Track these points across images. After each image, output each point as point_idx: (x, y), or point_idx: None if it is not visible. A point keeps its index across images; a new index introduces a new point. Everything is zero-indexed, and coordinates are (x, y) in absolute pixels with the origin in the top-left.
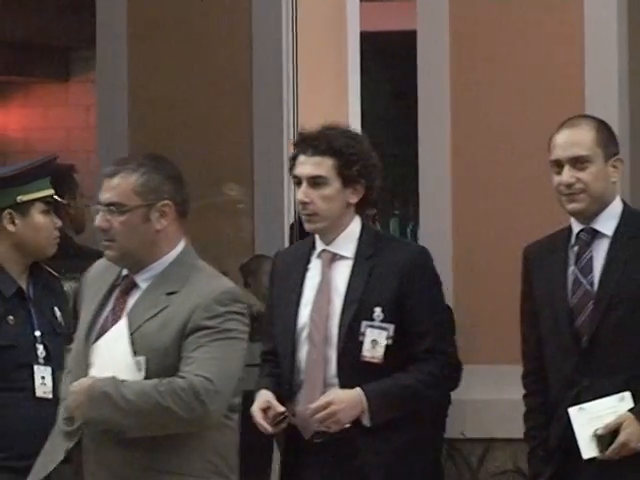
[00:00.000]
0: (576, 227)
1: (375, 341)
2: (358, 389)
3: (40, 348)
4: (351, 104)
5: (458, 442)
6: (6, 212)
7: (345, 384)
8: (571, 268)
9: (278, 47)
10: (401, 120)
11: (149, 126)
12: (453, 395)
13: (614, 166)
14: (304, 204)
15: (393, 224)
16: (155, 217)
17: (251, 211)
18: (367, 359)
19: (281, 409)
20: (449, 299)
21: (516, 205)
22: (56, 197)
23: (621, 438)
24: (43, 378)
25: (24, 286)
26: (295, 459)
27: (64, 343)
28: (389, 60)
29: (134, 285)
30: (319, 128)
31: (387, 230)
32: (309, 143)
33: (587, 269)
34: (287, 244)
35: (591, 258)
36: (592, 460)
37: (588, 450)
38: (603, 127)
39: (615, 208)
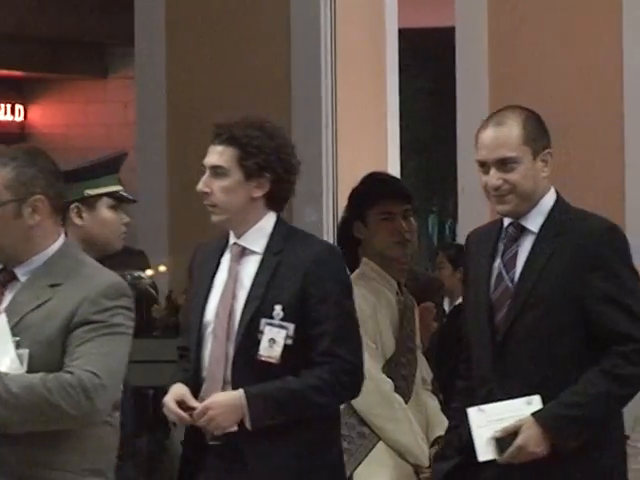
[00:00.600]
0: (506, 221)
1: (273, 340)
2: (240, 391)
3: None
4: (389, 101)
5: None
6: (74, 206)
7: (239, 383)
8: (497, 262)
9: (317, 44)
10: (440, 117)
11: (187, 122)
12: None
13: (544, 160)
14: (204, 194)
15: (432, 220)
16: (27, 212)
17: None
18: (263, 358)
19: (194, 404)
20: None
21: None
22: (124, 193)
23: (518, 441)
24: None
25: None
26: (195, 459)
27: None
28: (427, 57)
29: (13, 277)
30: (235, 120)
31: (425, 226)
32: (216, 132)
33: (510, 265)
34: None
35: (516, 254)
36: (493, 462)
37: (485, 452)
38: (530, 120)
39: (545, 204)
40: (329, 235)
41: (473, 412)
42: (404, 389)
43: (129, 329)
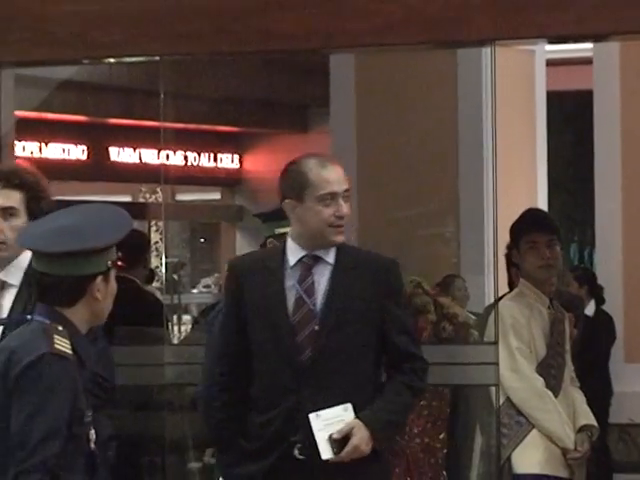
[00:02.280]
0: (298, 252)
1: None
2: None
3: None
4: (539, 152)
5: (628, 427)
6: (269, 240)
7: None
8: (292, 288)
9: (479, 106)
10: (581, 164)
11: (374, 171)
12: (618, 388)
13: None
14: None
15: (573, 248)
16: None
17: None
18: None
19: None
20: (618, 310)
21: None
22: None
23: (353, 442)
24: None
25: None
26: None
27: None
28: (571, 114)
29: None
30: (13, 167)
31: (568, 253)
32: (1, 177)
33: (310, 291)
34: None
35: (313, 282)
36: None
37: (325, 452)
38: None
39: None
40: (489, 261)
41: (313, 417)
42: (554, 385)
43: None
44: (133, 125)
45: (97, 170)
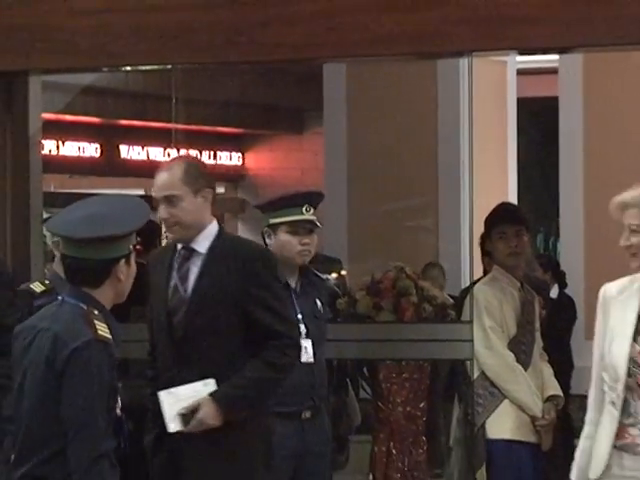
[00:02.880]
0: (179, 245)
1: None
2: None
3: (302, 327)
4: (509, 152)
5: (587, 398)
6: (264, 230)
7: None
8: (173, 277)
9: (456, 114)
10: (547, 162)
11: (362, 169)
12: (578, 362)
13: (204, 197)
14: None
15: (539, 238)
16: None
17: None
18: None
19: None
20: (579, 293)
21: None
22: (307, 218)
23: (197, 416)
24: (306, 348)
25: (293, 282)
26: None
27: (323, 324)
28: (539, 118)
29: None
30: None
31: (535, 242)
32: None
33: (184, 279)
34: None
35: (188, 270)
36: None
37: (173, 425)
38: (192, 166)
39: (210, 231)
40: (465, 250)
41: (164, 394)
42: (524, 360)
43: None
44: (146, 127)
45: (109, 166)
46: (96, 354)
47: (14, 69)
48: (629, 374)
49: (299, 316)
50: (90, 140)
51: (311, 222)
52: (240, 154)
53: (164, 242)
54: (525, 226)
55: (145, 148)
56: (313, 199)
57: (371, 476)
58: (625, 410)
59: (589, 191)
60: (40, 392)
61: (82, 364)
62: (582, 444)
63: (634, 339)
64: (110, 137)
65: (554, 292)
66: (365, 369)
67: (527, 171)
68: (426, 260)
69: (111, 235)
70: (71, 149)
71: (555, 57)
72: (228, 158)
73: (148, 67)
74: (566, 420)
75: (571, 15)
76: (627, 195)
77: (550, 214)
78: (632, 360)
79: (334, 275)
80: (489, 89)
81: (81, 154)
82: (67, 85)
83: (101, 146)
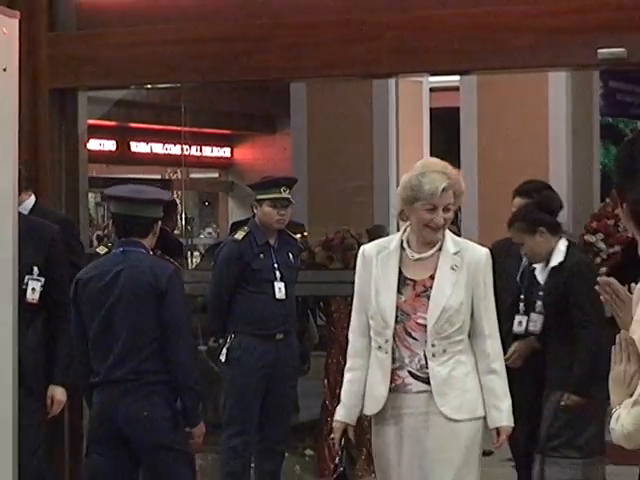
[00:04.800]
0: None
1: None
2: None
3: (277, 272)
4: (424, 151)
5: None
6: (253, 204)
7: None
8: None
9: (386, 120)
10: (452, 155)
11: (320, 161)
12: None
13: None
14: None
15: None
16: None
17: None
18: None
19: None
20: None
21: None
22: (284, 196)
23: None
24: (280, 288)
25: (272, 241)
26: None
27: (293, 271)
28: (445, 123)
29: None
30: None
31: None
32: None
33: None
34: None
35: None
36: None
37: None
38: None
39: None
40: (392, 219)
41: None
42: None
43: None
44: (161, 129)
45: (122, 158)
46: (181, 279)
47: (68, 86)
48: (397, 321)
49: (276, 265)
50: (108, 138)
51: (287, 199)
52: (230, 149)
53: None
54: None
55: (149, 144)
56: (287, 182)
57: (325, 381)
58: (392, 356)
59: (482, 178)
60: (142, 309)
61: (177, 284)
62: (347, 387)
63: (398, 291)
64: (124, 136)
65: None
66: (321, 303)
67: None
68: (365, 225)
69: (159, 199)
70: (95, 145)
71: (457, 77)
72: (221, 152)
73: (164, 85)
74: None
75: (470, 47)
76: (448, 180)
77: None
78: (398, 309)
79: (299, 236)
80: (409, 102)
81: (102, 148)
82: (104, 98)
83: (116, 142)
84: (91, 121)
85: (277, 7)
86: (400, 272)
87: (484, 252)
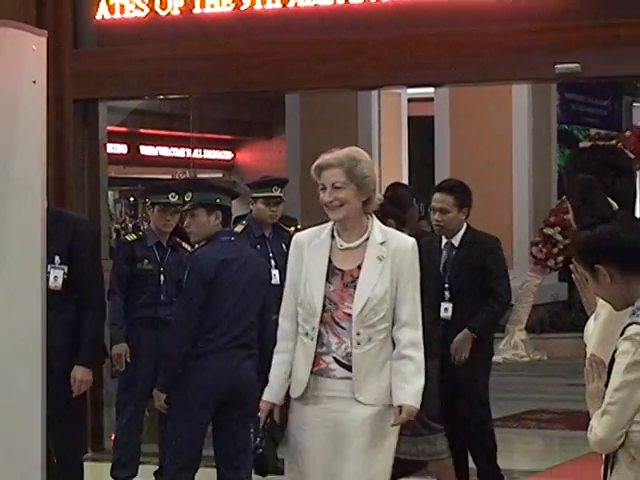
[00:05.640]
0: None
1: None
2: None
3: (272, 261)
4: (403, 155)
5: None
6: (249, 200)
7: None
8: None
9: (370, 127)
10: (427, 157)
11: (310, 161)
12: None
13: None
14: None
15: (421, 206)
16: None
17: None
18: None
19: None
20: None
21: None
22: (275, 194)
23: None
24: (275, 275)
25: (267, 233)
26: None
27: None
28: (421, 129)
29: None
30: None
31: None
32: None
33: None
34: None
35: None
36: None
37: None
38: None
39: None
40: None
41: None
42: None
43: None
44: (171, 135)
45: (137, 160)
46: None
47: (90, 97)
48: (324, 309)
49: (271, 254)
50: (125, 143)
51: (278, 197)
52: (231, 152)
53: None
54: (415, 197)
55: (161, 147)
56: (279, 182)
57: None
58: (319, 341)
59: (453, 177)
60: (260, 291)
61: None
62: (275, 369)
63: (327, 280)
64: (138, 140)
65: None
66: None
67: (414, 164)
68: None
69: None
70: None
71: (432, 90)
72: (224, 155)
73: (174, 95)
74: None
75: (442, 62)
76: (329, 157)
77: (428, 190)
78: (326, 297)
79: (292, 228)
80: (390, 111)
81: (119, 152)
82: (122, 108)
83: (128, 147)
84: (110, 127)
85: (273, 27)
86: (330, 261)
87: (410, 242)
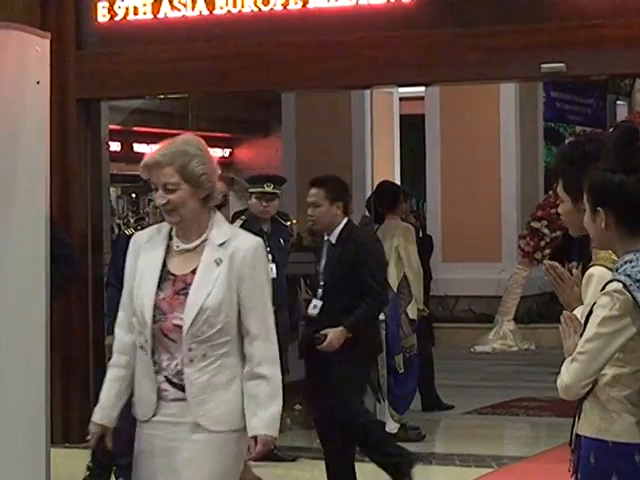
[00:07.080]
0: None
1: None
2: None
3: (269, 255)
4: (395, 151)
5: (444, 297)
6: (246, 195)
7: None
8: None
9: (363, 124)
10: (418, 154)
11: (308, 161)
12: (436, 275)
13: None
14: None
15: (413, 201)
16: None
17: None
18: None
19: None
20: (437, 232)
21: (472, 191)
22: (267, 190)
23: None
24: (272, 269)
25: (265, 228)
26: None
27: (284, 254)
28: (412, 127)
29: None
30: None
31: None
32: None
33: None
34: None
35: None
36: None
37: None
38: None
39: None
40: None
41: None
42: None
43: None
44: (171, 133)
45: (138, 157)
46: None
47: (92, 97)
48: (154, 320)
49: (268, 248)
50: (114, 140)
51: (270, 193)
52: (230, 150)
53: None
54: (404, 192)
55: (149, 145)
56: (272, 179)
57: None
58: (152, 357)
59: (443, 172)
60: None
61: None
62: (108, 386)
63: (159, 286)
64: (128, 139)
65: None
66: (307, 280)
67: (406, 161)
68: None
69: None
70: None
71: (422, 88)
72: (223, 152)
73: (174, 95)
74: (430, 314)
75: (432, 62)
76: (157, 154)
77: (420, 186)
78: (156, 307)
79: (288, 223)
80: (382, 110)
81: (119, 149)
82: (123, 107)
83: (121, 144)
84: (111, 126)
85: (268, 30)
86: (165, 265)
87: (253, 243)
